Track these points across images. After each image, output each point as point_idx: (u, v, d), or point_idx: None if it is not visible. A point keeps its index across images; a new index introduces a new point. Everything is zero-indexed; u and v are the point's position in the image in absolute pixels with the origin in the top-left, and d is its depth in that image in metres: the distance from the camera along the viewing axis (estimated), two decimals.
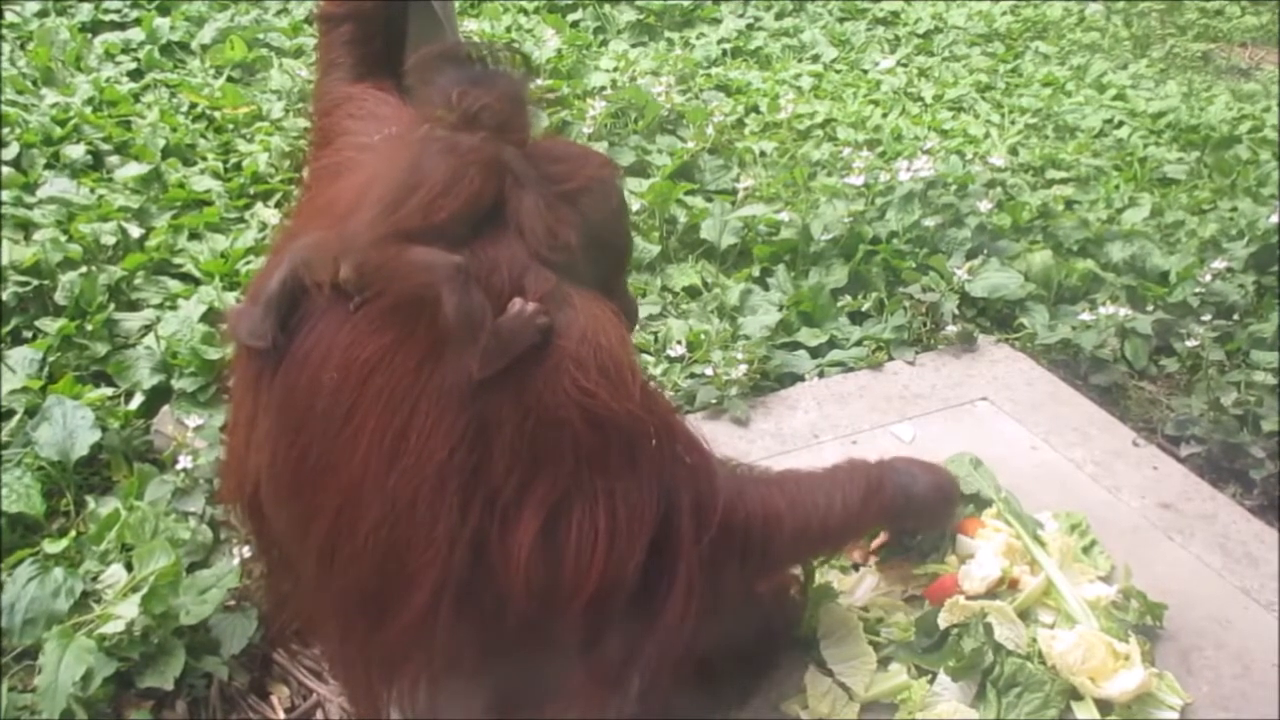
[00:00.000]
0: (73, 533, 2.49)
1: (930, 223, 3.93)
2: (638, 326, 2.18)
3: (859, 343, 3.45)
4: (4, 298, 3.14)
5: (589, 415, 1.51)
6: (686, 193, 4.14)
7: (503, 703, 1.68)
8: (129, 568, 2.34)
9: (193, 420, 2.71)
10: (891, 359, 3.41)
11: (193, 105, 4.52)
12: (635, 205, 3.98)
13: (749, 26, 6.49)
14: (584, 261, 1.66)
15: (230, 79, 4.87)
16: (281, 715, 2.31)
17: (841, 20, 6.83)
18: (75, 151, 3.95)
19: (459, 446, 1.50)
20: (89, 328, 3.05)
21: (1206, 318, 3.59)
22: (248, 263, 3.42)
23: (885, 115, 5.34)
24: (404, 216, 1.55)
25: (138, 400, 2.89)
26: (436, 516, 1.52)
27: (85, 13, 5.35)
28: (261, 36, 5.29)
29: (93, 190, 3.76)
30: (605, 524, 1.52)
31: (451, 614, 1.57)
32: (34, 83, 4.53)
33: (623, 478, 1.53)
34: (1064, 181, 4.72)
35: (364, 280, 1.55)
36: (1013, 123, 5.45)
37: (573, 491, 1.52)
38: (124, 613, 2.21)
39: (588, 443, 1.51)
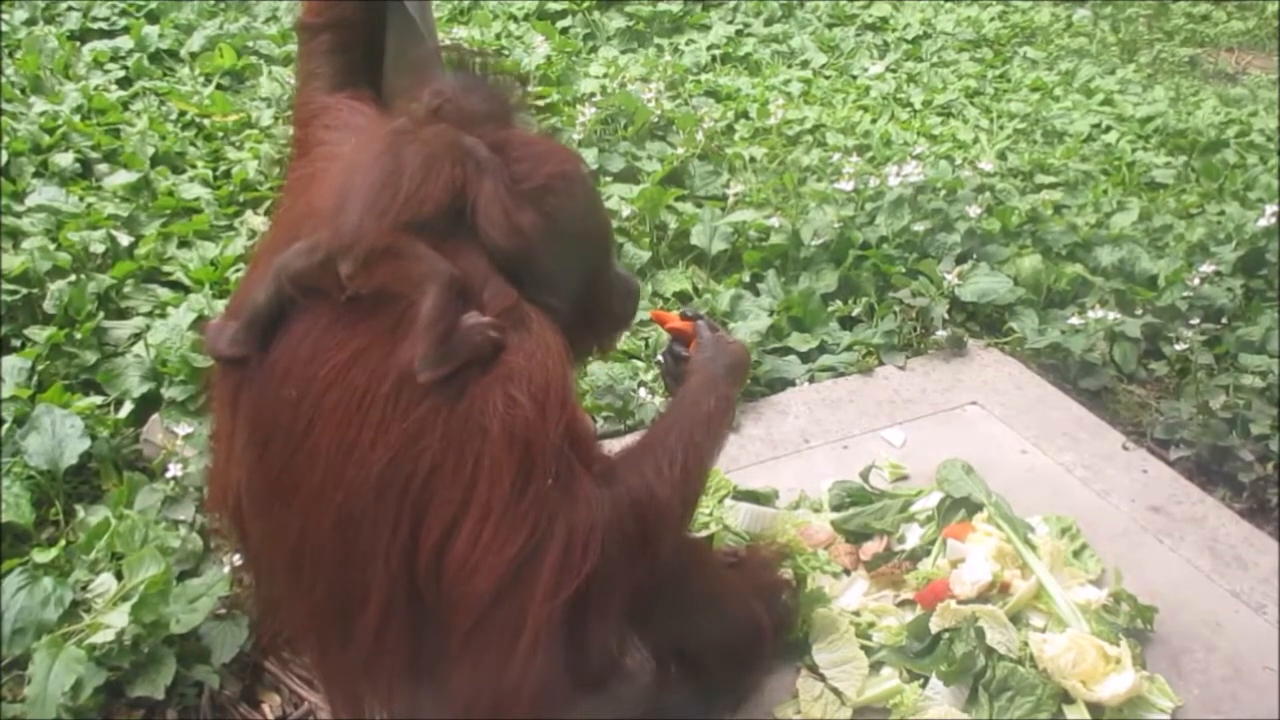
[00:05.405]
0: (62, 542, 2.48)
1: (920, 228, 3.94)
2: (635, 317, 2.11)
3: (849, 348, 3.45)
4: None
5: (507, 429, 1.48)
6: (676, 198, 4.15)
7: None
8: (119, 576, 2.33)
9: (182, 428, 2.70)
10: (882, 364, 3.42)
11: (182, 113, 4.52)
12: (625, 211, 3.99)
13: (738, 33, 6.50)
14: (559, 260, 1.65)
15: (219, 86, 4.86)
16: None
17: (830, 26, 6.85)
18: (64, 159, 3.93)
19: (396, 457, 1.49)
20: (78, 336, 3.04)
21: (1195, 321, 3.60)
22: (237, 270, 3.41)
23: (874, 121, 5.36)
24: (397, 209, 1.55)
25: (127, 408, 2.88)
26: (378, 528, 1.52)
27: (73, 21, 5.35)
28: (250, 44, 5.29)
29: (81, 198, 3.75)
30: (480, 543, 1.48)
31: (402, 626, 1.56)
32: (22, 91, 4.51)
33: (506, 502, 1.48)
34: (1052, 186, 4.73)
35: (368, 269, 1.53)
36: (1001, 128, 5.47)
37: (469, 503, 1.49)
38: (114, 621, 2.20)
39: (492, 455, 1.48)
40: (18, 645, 2.22)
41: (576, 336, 1.72)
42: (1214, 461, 3.12)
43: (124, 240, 3.53)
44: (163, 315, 3.20)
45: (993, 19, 7.31)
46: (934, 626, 2.32)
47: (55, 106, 4.32)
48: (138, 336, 3.11)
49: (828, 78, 6.05)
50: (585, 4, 6.36)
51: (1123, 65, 6.83)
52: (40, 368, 2.95)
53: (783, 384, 3.31)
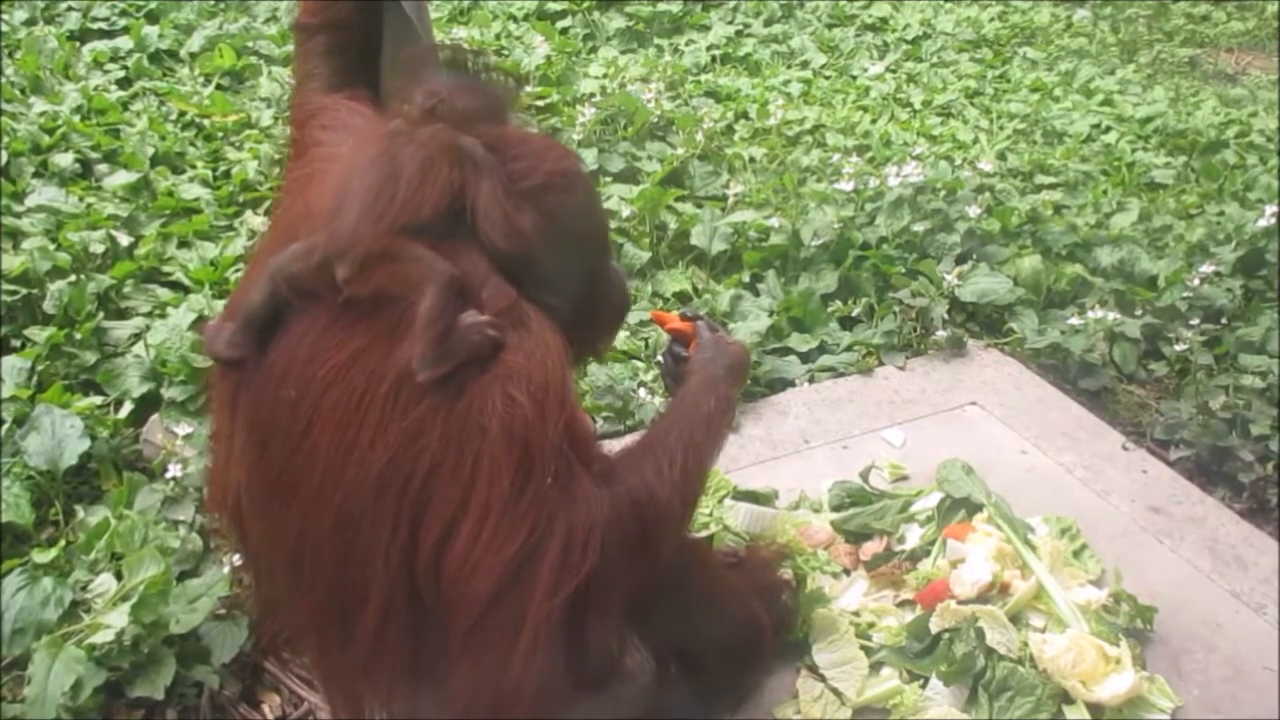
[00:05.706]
0: (62, 542, 2.48)
1: (919, 228, 3.94)
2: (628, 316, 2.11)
3: (849, 348, 3.45)
4: None
5: (506, 428, 1.47)
6: (676, 199, 4.14)
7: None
8: (119, 576, 2.33)
9: (182, 428, 2.70)
10: (881, 364, 3.42)
11: (181, 113, 4.51)
12: (625, 211, 3.99)
13: (738, 33, 6.50)
14: (558, 258, 1.65)
15: (219, 87, 4.86)
16: None
17: (830, 26, 6.85)
18: (64, 160, 3.92)
19: (395, 457, 1.49)
20: (78, 336, 3.04)
21: (1195, 322, 3.60)
22: (237, 270, 3.41)
23: (874, 121, 5.36)
24: (394, 213, 1.54)
25: (127, 409, 2.88)
26: (378, 528, 1.52)
27: (73, 21, 5.34)
28: (250, 44, 5.29)
29: (81, 198, 3.75)
30: (480, 543, 1.48)
31: (402, 626, 1.56)
32: (22, 91, 4.51)
33: (505, 501, 1.48)
34: (1052, 186, 4.73)
35: (365, 272, 1.53)
36: (1001, 128, 5.47)
37: (468, 503, 1.48)
38: (114, 622, 2.20)
39: (491, 455, 1.47)
40: (18, 645, 2.22)
41: (576, 334, 1.72)
42: (1214, 462, 3.12)
43: (124, 240, 3.53)
44: (162, 315, 3.20)
45: (992, 19, 7.31)
46: (934, 627, 2.32)
47: (55, 107, 4.31)
48: (137, 337, 3.11)
49: (827, 78, 6.05)
50: (585, 4, 6.36)
51: (1122, 66, 6.83)
52: (40, 368, 2.95)
53: (783, 384, 3.31)
